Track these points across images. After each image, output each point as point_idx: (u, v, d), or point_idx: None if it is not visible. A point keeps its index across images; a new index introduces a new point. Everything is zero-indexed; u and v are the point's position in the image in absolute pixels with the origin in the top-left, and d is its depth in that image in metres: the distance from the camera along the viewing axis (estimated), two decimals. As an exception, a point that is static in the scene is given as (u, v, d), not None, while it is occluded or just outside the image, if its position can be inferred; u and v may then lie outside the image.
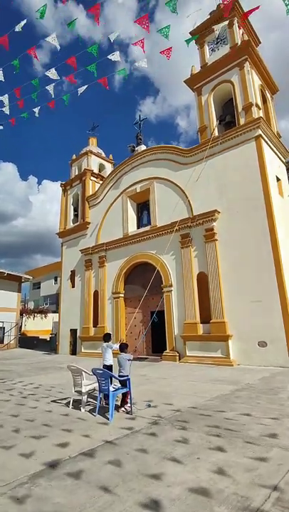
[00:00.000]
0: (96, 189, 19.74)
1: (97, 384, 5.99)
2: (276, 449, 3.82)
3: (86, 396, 6.16)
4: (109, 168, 22.11)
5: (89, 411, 5.92)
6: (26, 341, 26.97)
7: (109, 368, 6.58)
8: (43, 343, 26.04)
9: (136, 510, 2.62)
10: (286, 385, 7.75)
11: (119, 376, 5.93)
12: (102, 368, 6.59)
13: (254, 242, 11.94)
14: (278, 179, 13.54)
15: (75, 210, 21.22)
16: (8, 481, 3.17)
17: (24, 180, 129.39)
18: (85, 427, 4.91)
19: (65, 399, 6.87)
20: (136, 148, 17.72)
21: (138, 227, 17.01)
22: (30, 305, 40.77)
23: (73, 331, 18.92)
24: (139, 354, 14.37)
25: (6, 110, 8.09)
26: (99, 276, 17.70)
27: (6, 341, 23.55)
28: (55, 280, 39.25)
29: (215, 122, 14.46)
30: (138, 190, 16.89)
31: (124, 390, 5.78)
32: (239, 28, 14.78)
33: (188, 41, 7.14)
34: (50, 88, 7.56)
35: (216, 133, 14.18)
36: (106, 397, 6.08)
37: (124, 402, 5.87)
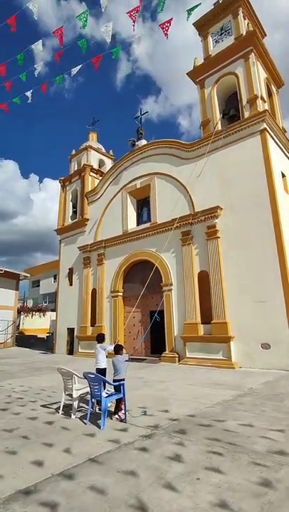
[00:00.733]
0: (95, 185, 19.28)
1: (89, 388, 5.55)
2: (286, 469, 3.36)
3: (77, 401, 5.71)
4: (109, 163, 21.64)
5: (80, 417, 5.48)
6: (23, 340, 26.55)
7: (103, 371, 6.14)
8: (40, 342, 25.63)
9: None
10: (292, 391, 7.28)
11: (114, 381, 5.48)
12: (95, 371, 6.16)
13: (258, 240, 11.46)
14: (283, 175, 13.04)
15: (74, 206, 20.76)
16: None
17: (25, 178, 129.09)
18: (72, 438, 4.45)
19: (55, 403, 6.43)
20: (136, 143, 17.24)
21: (138, 224, 16.54)
22: (30, 303, 40.36)
23: (70, 330, 18.48)
24: (137, 355, 13.91)
25: None
26: (97, 274, 17.25)
27: (2, 340, 23.13)
28: (55, 278, 38.76)
29: (218, 116, 13.97)
30: (138, 186, 16.42)
31: (118, 396, 5.33)
32: (244, 19, 14.31)
33: (190, 10, 6.50)
34: (38, 67, 7.07)
35: (219, 127, 13.69)
36: (99, 402, 5.65)
37: (118, 408, 5.43)
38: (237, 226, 12.14)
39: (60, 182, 21.53)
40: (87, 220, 18.88)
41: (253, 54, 13.23)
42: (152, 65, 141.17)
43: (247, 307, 11.29)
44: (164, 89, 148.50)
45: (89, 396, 5.66)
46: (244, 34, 13.59)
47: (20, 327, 31.46)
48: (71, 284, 19.15)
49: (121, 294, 16.10)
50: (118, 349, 5.78)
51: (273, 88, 15.20)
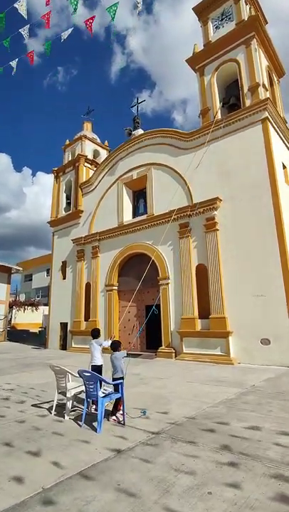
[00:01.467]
0: (90, 176, 18.68)
1: (84, 387, 5.13)
2: (307, 480, 3.00)
3: (71, 401, 5.30)
4: (104, 154, 21.00)
5: (74, 418, 5.07)
6: (16, 334, 26.04)
7: (99, 368, 5.73)
8: (33, 337, 25.15)
9: None
10: (296, 388, 6.98)
11: (113, 379, 5.07)
12: (90, 368, 5.75)
13: (258, 233, 11.10)
14: (284, 166, 12.67)
15: (68, 198, 20.15)
16: None
17: (18, 171, 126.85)
18: (65, 443, 4.03)
19: (47, 402, 6.01)
20: (133, 132, 16.68)
21: (134, 216, 16.06)
22: (22, 297, 39.69)
23: (64, 325, 18.01)
24: (133, 350, 13.53)
25: None
26: (91, 268, 16.77)
27: (-7, 334, 22.58)
28: (48, 272, 38.15)
29: (218, 104, 13.49)
30: (134, 177, 15.90)
31: (117, 396, 4.93)
32: (246, 4, 13.79)
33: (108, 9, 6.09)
34: (24, 31, 6.47)
35: (219, 116, 13.22)
36: (95, 402, 5.24)
37: (116, 409, 5.03)
38: (237, 218, 11.77)
39: (53, 172, 20.85)
40: (82, 211, 18.32)
41: (254, 40, 12.75)
42: (148, 58, 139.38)
43: (246, 301, 10.97)
44: (158, 84, 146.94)
45: (84, 395, 5.25)
46: (246, 19, 13.09)
47: (13, 321, 30.87)
48: (64, 278, 18.63)
49: (116, 288, 15.67)
50: (116, 345, 5.36)
51: (275, 77, 14.76)
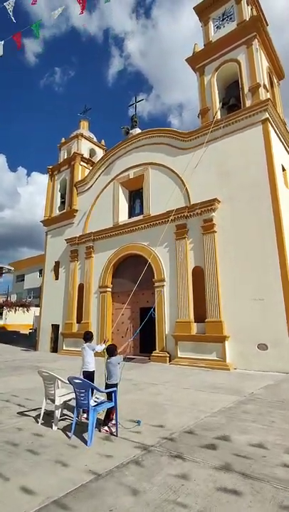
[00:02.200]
0: (86, 175, 18.31)
1: (75, 395, 4.75)
2: None
3: (60, 409, 4.91)
4: (100, 154, 20.66)
5: (63, 428, 4.69)
6: (6, 336, 25.37)
7: (91, 374, 5.36)
8: (23, 339, 24.54)
9: None
10: (296, 397, 6.69)
11: (106, 386, 4.70)
12: (81, 374, 5.38)
13: (257, 235, 10.86)
14: (284, 169, 12.48)
15: (62, 197, 19.72)
16: None
17: (13, 171, 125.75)
18: (52, 457, 3.65)
19: (35, 409, 5.61)
20: (130, 131, 16.39)
21: (130, 217, 15.72)
22: (13, 298, 38.96)
23: (55, 327, 17.53)
24: (126, 354, 13.13)
25: None
26: (85, 268, 16.36)
27: (-18, 335, 21.93)
28: (40, 273, 37.55)
29: (218, 104, 13.28)
30: (131, 177, 15.59)
31: (110, 405, 4.56)
32: (248, 5, 13.65)
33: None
34: (8, 5, 6.03)
35: (219, 116, 13.01)
36: (85, 410, 4.88)
37: (108, 418, 4.66)
38: (235, 220, 11.51)
39: (48, 171, 20.43)
40: (76, 211, 17.92)
41: (256, 40, 12.59)
42: (145, 62, 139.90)
43: (244, 305, 10.69)
44: (155, 87, 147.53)
45: (74, 401, 4.87)
46: (247, 19, 12.94)
47: (3, 322, 30.20)
48: (57, 278, 18.18)
49: (110, 289, 15.28)
50: (112, 350, 4.98)
51: (275, 80, 14.63)
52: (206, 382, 8.36)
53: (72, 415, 5.21)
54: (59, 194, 19.81)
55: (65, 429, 4.63)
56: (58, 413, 4.79)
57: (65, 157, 19.96)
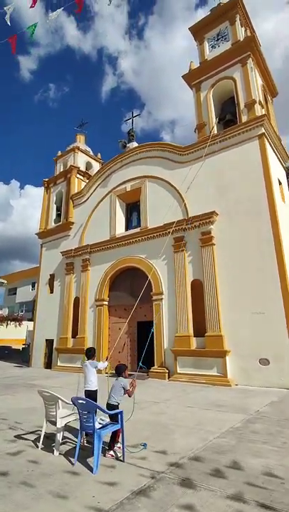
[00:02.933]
0: (82, 188, 18.29)
1: (79, 417, 4.48)
2: None
3: (62, 432, 4.62)
4: (96, 167, 20.73)
5: (65, 453, 4.40)
6: (-3, 351, 24.61)
7: (94, 394, 5.11)
8: (15, 354, 23.84)
9: None
10: (303, 414, 6.48)
11: (109, 407, 4.45)
12: (83, 392, 5.12)
13: (256, 248, 10.84)
14: (280, 183, 12.64)
15: (58, 209, 19.60)
16: None
17: (6, 184, 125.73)
18: (53, 489, 3.37)
19: (33, 432, 5.29)
20: (127, 145, 16.51)
21: (127, 229, 15.63)
22: (5, 312, 38.11)
23: (49, 342, 17.05)
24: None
25: None
26: (81, 282, 16.08)
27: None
28: (33, 286, 36.99)
29: (214, 119, 13.51)
30: (128, 189, 15.59)
31: (115, 428, 4.30)
32: (241, 26, 14.11)
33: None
34: (8, 9, 6.04)
35: (215, 131, 13.20)
36: (89, 433, 4.60)
37: (114, 440, 4.39)
38: (234, 232, 11.51)
39: (44, 183, 20.36)
40: (72, 223, 17.78)
41: (250, 59, 12.95)
42: (138, 80, 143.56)
43: (244, 319, 10.54)
44: (148, 105, 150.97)
45: (77, 423, 4.60)
46: (242, 40, 13.35)
47: (-6, 337, 29.34)
48: (52, 292, 17.83)
49: (106, 303, 15.01)
50: (121, 370, 4.76)
51: (269, 97, 15.01)
52: (208, 399, 8.10)
53: (73, 438, 4.93)
54: (55, 206, 19.70)
55: (67, 454, 4.34)
56: (59, 436, 4.49)
57: (62, 170, 19.95)
